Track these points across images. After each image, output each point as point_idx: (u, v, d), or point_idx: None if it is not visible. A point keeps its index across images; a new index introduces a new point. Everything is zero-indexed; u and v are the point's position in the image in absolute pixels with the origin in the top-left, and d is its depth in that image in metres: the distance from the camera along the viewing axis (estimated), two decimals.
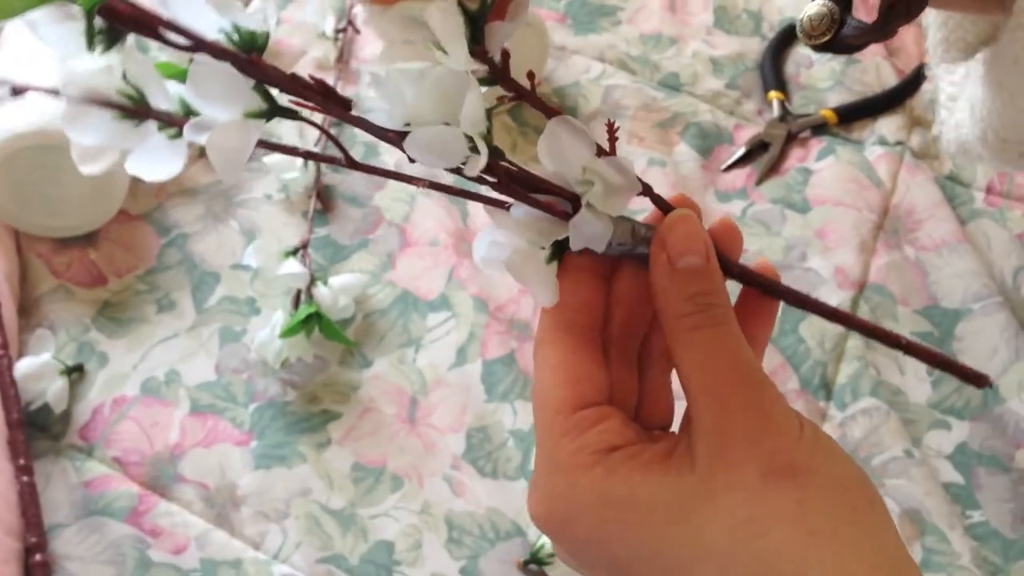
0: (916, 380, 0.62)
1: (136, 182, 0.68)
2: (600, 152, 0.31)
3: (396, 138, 0.29)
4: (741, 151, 0.73)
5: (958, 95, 0.45)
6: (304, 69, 0.76)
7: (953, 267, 0.66)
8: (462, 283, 0.65)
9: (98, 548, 0.55)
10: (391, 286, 0.65)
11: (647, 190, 0.32)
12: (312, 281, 0.62)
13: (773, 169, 0.72)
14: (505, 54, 0.30)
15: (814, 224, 0.68)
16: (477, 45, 0.30)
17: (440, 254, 0.66)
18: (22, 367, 0.58)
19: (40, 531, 0.54)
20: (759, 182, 0.71)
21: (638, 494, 0.30)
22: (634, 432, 0.32)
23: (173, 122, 0.28)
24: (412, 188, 0.69)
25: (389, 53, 0.30)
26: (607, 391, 0.33)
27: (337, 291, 0.62)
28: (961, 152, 0.47)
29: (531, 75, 0.31)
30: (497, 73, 0.30)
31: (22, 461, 0.56)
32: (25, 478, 0.55)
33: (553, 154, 0.31)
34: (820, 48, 0.41)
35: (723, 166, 0.72)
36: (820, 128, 0.74)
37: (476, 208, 0.69)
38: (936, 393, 0.61)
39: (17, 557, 0.53)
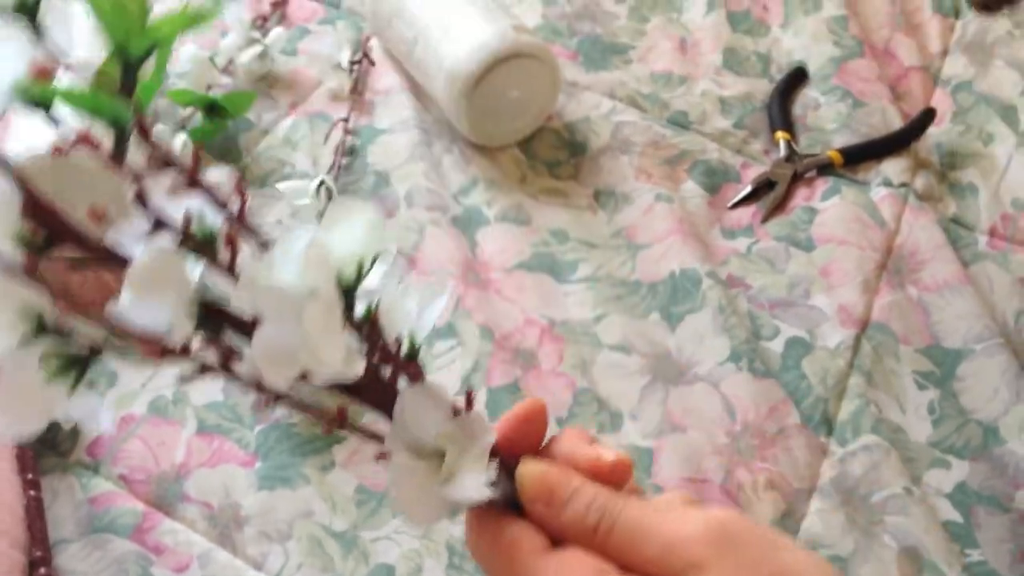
0: (917, 419, 0.62)
1: None
2: (458, 411, 0.32)
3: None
4: (748, 189, 0.74)
5: None
6: (320, 99, 0.78)
7: (955, 308, 0.67)
8: (469, 312, 0.65)
9: (102, 564, 0.55)
10: None
11: (495, 448, 0.33)
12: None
13: (779, 207, 0.73)
14: (375, 318, 0.31)
15: (818, 262, 0.69)
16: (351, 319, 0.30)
17: (447, 282, 0.67)
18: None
19: (45, 545, 0.55)
20: (765, 220, 0.72)
21: None
22: None
23: None
24: (422, 217, 0.70)
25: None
26: None
27: None
28: None
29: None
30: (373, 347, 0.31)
31: (30, 476, 0.56)
32: (32, 492, 0.56)
33: (409, 421, 0.32)
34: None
35: (729, 203, 0.73)
36: (826, 168, 0.75)
37: (484, 239, 0.70)
38: (936, 432, 0.62)
39: (22, 570, 0.54)
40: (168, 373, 0.63)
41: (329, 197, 0.70)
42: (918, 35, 0.85)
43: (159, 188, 0.29)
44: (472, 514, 0.34)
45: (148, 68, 0.29)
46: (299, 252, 0.29)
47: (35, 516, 0.55)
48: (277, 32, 0.79)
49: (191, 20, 0.29)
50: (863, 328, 0.66)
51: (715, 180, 0.74)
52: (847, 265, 0.69)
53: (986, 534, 0.58)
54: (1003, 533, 0.58)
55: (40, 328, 0.27)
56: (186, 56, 0.74)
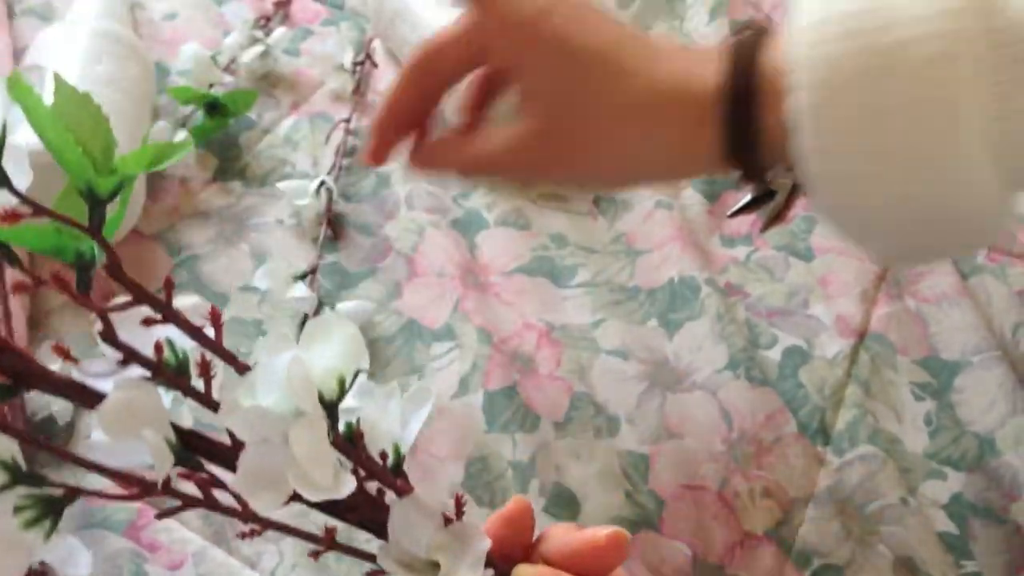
0: (914, 429, 0.62)
1: (150, 203, 0.69)
2: (448, 520, 0.32)
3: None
4: (747, 198, 0.74)
5: None
6: (321, 100, 0.78)
7: (953, 320, 0.67)
8: (468, 314, 0.65)
9: (95, 561, 0.55)
10: (397, 314, 0.66)
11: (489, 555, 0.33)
12: (319, 306, 0.63)
13: (779, 217, 0.73)
14: (359, 435, 0.31)
15: (817, 272, 0.69)
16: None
17: (447, 285, 0.67)
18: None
19: None
20: (764, 229, 0.72)
21: None
22: None
23: None
24: (422, 219, 0.70)
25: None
26: None
27: (344, 314, 0.63)
28: None
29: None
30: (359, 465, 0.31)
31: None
32: None
33: (401, 533, 0.32)
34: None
35: (729, 212, 0.73)
36: None
37: (484, 241, 0.70)
38: (933, 443, 0.62)
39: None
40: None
41: (330, 198, 0.70)
42: None
43: (128, 321, 0.29)
44: None
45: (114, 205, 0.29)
46: (281, 373, 0.28)
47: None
48: (280, 32, 0.79)
49: (158, 156, 0.29)
50: (861, 338, 0.66)
51: (715, 188, 0.74)
52: (846, 275, 0.69)
53: (981, 546, 0.58)
54: (998, 545, 0.58)
55: (14, 477, 0.26)
56: (188, 54, 0.74)
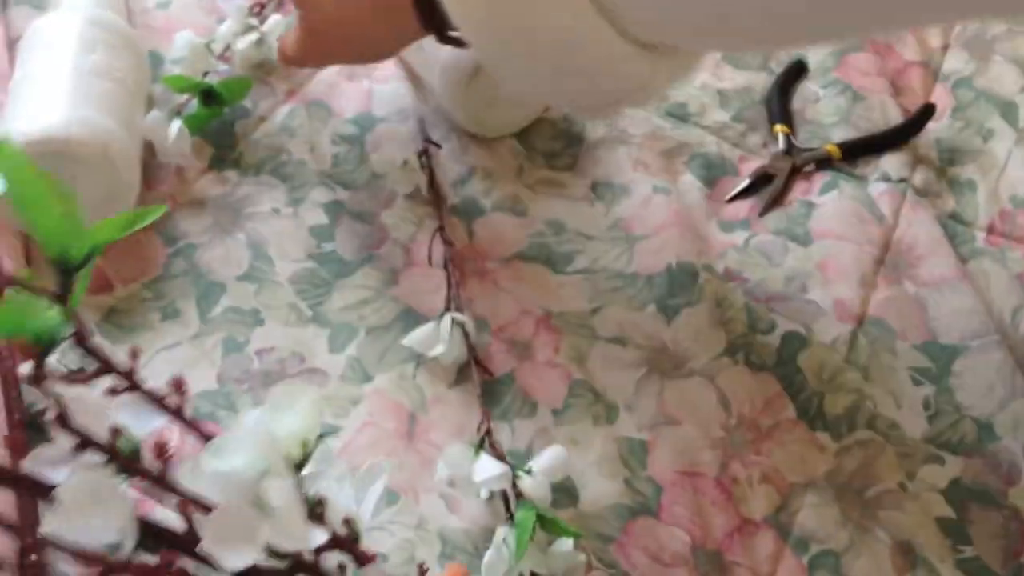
0: (912, 414, 0.62)
1: (145, 192, 0.69)
2: None
3: None
4: (745, 182, 0.74)
5: None
6: (317, 87, 0.77)
7: (952, 304, 0.67)
8: (465, 301, 0.65)
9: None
10: (394, 302, 0.66)
11: None
12: (514, 474, 0.56)
13: (776, 201, 0.73)
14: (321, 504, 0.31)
15: (815, 257, 0.69)
16: None
17: (444, 274, 0.67)
18: (26, 369, 0.59)
19: (35, 531, 0.55)
20: (762, 213, 0.72)
21: None
22: None
23: None
24: (421, 210, 0.70)
25: None
26: None
27: (542, 476, 0.56)
28: None
29: None
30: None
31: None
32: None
33: None
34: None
35: (727, 197, 0.73)
36: (824, 163, 0.75)
37: (480, 229, 0.70)
38: (931, 428, 0.62)
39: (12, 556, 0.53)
40: (162, 361, 0.62)
41: (465, 333, 0.63)
42: (919, 29, 0.85)
43: (89, 399, 0.29)
44: None
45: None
46: (247, 435, 0.28)
47: (26, 502, 0.55)
48: (275, 19, 0.78)
49: (131, 222, 0.29)
50: (860, 323, 0.66)
51: (713, 173, 0.74)
52: (844, 260, 0.68)
53: (979, 530, 0.58)
54: (996, 529, 0.58)
55: None
56: (182, 42, 0.74)
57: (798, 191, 0.74)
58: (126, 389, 0.29)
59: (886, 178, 0.73)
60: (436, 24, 0.54)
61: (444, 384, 0.62)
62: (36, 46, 0.68)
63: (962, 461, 0.60)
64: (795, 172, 0.74)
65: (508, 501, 0.55)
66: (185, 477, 0.29)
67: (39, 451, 0.27)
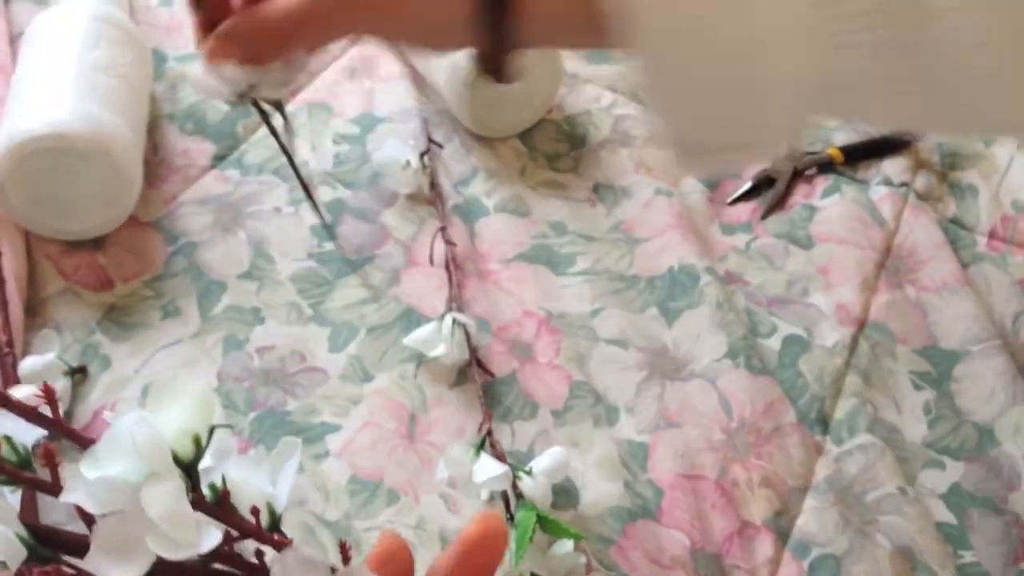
0: (913, 419, 0.62)
1: (147, 189, 0.69)
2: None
3: None
4: (747, 185, 0.74)
5: None
6: (320, 88, 0.77)
7: (953, 309, 0.66)
8: (466, 302, 0.65)
9: None
10: (395, 301, 0.66)
11: None
12: (515, 475, 0.56)
13: (778, 204, 0.73)
14: (225, 494, 0.30)
15: (817, 260, 0.69)
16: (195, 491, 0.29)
17: (445, 274, 0.67)
18: (26, 366, 0.59)
19: None
20: (764, 217, 0.72)
21: None
22: None
23: None
24: (422, 210, 0.70)
25: None
26: None
27: (542, 477, 0.56)
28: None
29: None
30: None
31: None
32: None
33: None
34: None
35: (729, 199, 0.73)
36: (826, 166, 0.75)
37: (483, 229, 0.70)
38: (932, 433, 0.62)
39: None
40: (162, 359, 0.62)
41: (466, 333, 0.63)
42: None
43: None
44: None
45: None
46: (125, 437, 0.27)
47: (26, 498, 0.55)
48: None
49: None
50: (861, 327, 0.66)
51: (715, 176, 0.74)
52: (846, 264, 0.68)
53: (979, 536, 0.58)
54: (996, 535, 0.58)
55: None
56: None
57: (800, 194, 0.74)
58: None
59: (888, 182, 0.73)
60: (495, 36, 0.43)
61: (445, 384, 0.62)
62: (39, 41, 0.68)
63: (963, 466, 0.60)
64: (797, 175, 0.74)
65: (508, 502, 0.55)
66: (67, 490, 0.28)
67: None
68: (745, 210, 0.72)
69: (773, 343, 0.65)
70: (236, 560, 0.30)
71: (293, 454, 0.32)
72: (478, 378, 0.62)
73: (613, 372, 0.63)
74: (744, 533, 0.57)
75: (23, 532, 0.27)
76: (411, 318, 0.65)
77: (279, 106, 0.57)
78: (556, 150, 0.75)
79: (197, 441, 0.28)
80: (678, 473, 0.59)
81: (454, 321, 0.62)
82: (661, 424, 0.61)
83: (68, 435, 0.29)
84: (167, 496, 0.27)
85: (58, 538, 0.29)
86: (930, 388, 0.63)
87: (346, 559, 0.32)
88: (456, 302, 0.65)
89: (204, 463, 0.29)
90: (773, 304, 0.67)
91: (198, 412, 0.29)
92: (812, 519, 0.58)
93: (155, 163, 0.71)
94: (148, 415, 0.28)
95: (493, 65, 0.45)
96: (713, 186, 0.74)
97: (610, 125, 0.76)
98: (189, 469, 0.28)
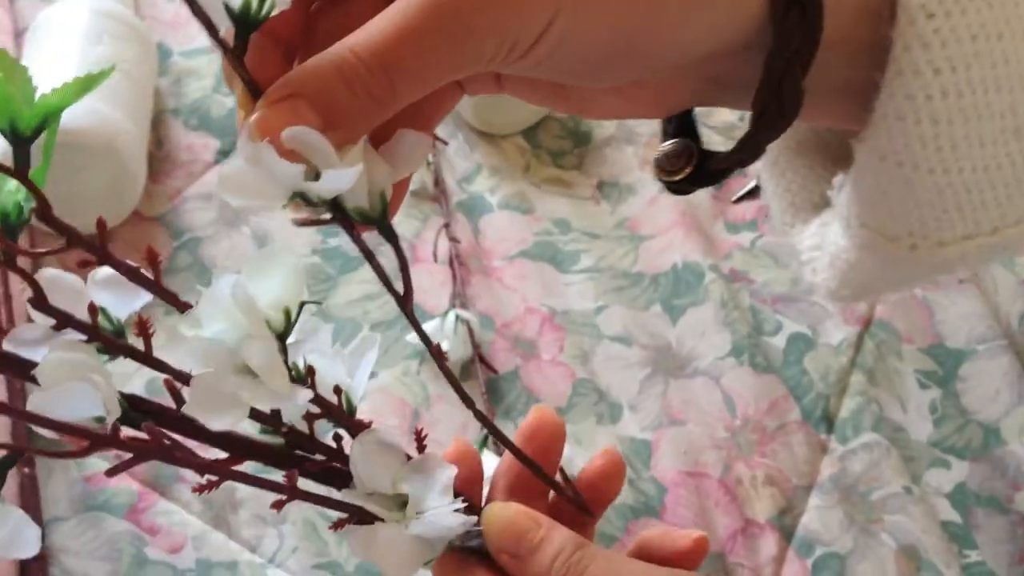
0: (918, 418, 0.62)
1: (151, 184, 0.69)
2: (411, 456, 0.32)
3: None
4: (752, 183, 0.73)
5: (820, 243, 0.41)
6: None
7: (959, 308, 0.66)
8: (470, 299, 0.65)
9: (95, 543, 0.55)
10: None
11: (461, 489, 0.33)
12: None
13: None
14: (311, 371, 0.30)
15: None
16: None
17: (449, 270, 0.66)
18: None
19: (39, 523, 0.55)
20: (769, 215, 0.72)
21: None
22: None
23: None
24: (426, 206, 0.70)
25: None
26: None
27: None
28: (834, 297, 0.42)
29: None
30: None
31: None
32: (26, 470, 0.56)
33: (364, 470, 0.31)
34: (684, 184, 0.36)
35: (734, 197, 0.73)
36: None
37: (487, 226, 0.69)
38: (937, 432, 0.61)
39: None
40: (165, 354, 0.62)
41: (470, 330, 0.63)
42: None
43: (64, 279, 0.29)
44: (441, 562, 0.33)
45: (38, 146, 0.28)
46: (225, 300, 0.28)
47: (29, 493, 0.55)
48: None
49: (83, 87, 0.28)
50: (866, 326, 0.66)
51: None
52: None
53: (985, 535, 0.58)
54: (1002, 534, 0.58)
55: None
56: None
57: None
58: (97, 261, 0.28)
59: None
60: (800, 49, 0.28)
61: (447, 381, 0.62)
62: (43, 37, 0.68)
63: (968, 465, 0.60)
64: None
65: None
66: (162, 351, 0.28)
67: (20, 330, 0.27)
68: (750, 208, 0.72)
69: (778, 341, 0.65)
70: (316, 444, 0.31)
71: (372, 347, 0.33)
72: (481, 375, 0.61)
73: (616, 369, 0.63)
74: (748, 531, 0.57)
75: (117, 400, 0.28)
76: (415, 314, 0.65)
77: (375, 220, 0.31)
78: (560, 147, 0.75)
79: (287, 313, 0.29)
80: (681, 471, 0.59)
81: (457, 318, 0.62)
82: (664, 422, 0.61)
83: (166, 297, 0.29)
84: (265, 350, 0.28)
85: (146, 407, 0.29)
86: (936, 387, 0.63)
87: (421, 448, 0.32)
88: (460, 299, 0.65)
89: (292, 338, 0.30)
90: (778, 302, 0.67)
91: (289, 285, 0.29)
92: (816, 517, 0.57)
93: (159, 158, 0.71)
94: (244, 282, 0.28)
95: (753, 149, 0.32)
96: (718, 184, 0.73)
97: (614, 122, 0.76)
98: (280, 339, 0.29)
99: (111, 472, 0.27)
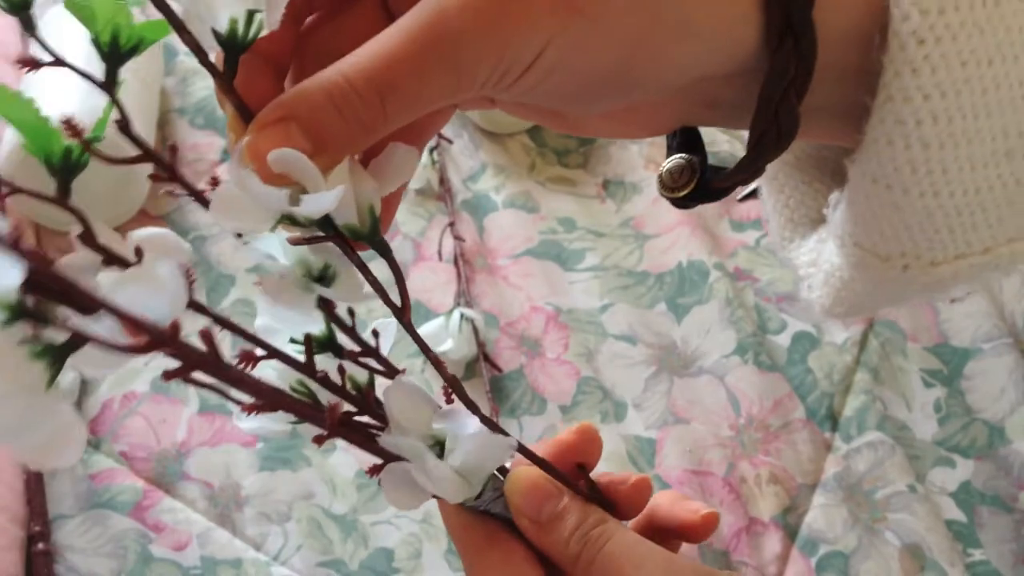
0: (923, 416, 0.62)
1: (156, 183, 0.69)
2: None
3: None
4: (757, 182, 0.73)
5: (816, 260, 0.41)
6: None
7: (964, 306, 0.66)
8: (475, 297, 0.65)
9: (100, 541, 0.55)
10: None
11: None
12: None
13: None
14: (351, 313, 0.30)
15: None
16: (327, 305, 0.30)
17: (454, 269, 0.67)
18: None
19: (44, 520, 0.55)
20: None
21: None
22: None
23: None
24: (431, 205, 0.70)
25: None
26: None
27: None
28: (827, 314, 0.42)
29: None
30: (345, 331, 0.31)
31: None
32: (32, 467, 0.56)
33: (400, 413, 0.31)
34: (687, 199, 0.36)
35: (739, 196, 0.73)
36: None
37: (491, 225, 0.69)
38: (942, 430, 0.61)
39: (20, 545, 0.53)
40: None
41: (475, 330, 0.63)
42: None
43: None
44: (466, 525, 0.34)
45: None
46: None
47: (34, 491, 0.55)
48: None
49: (163, 27, 0.29)
50: (871, 324, 0.66)
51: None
52: None
53: (989, 534, 0.58)
54: (1006, 533, 0.58)
55: (17, 313, 0.24)
56: None
57: None
58: (168, 177, 0.29)
59: None
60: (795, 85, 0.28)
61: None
62: (50, 36, 0.68)
63: (973, 464, 0.60)
64: None
65: None
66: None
67: (69, 259, 0.27)
68: (755, 206, 0.72)
69: (782, 340, 0.65)
70: (345, 393, 0.31)
71: (388, 331, 0.34)
72: (486, 373, 0.62)
73: (621, 368, 0.63)
74: (752, 530, 0.57)
75: (183, 298, 0.28)
76: (419, 313, 0.65)
77: (366, 235, 0.31)
78: (565, 145, 0.75)
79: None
80: (686, 469, 0.59)
81: (462, 316, 0.62)
82: (669, 420, 0.61)
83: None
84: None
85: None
86: (940, 385, 0.63)
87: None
88: (464, 297, 0.65)
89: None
90: (783, 300, 0.67)
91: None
92: (820, 516, 0.57)
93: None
94: None
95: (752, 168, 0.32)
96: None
97: None
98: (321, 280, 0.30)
99: (168, 375, 0.26)
